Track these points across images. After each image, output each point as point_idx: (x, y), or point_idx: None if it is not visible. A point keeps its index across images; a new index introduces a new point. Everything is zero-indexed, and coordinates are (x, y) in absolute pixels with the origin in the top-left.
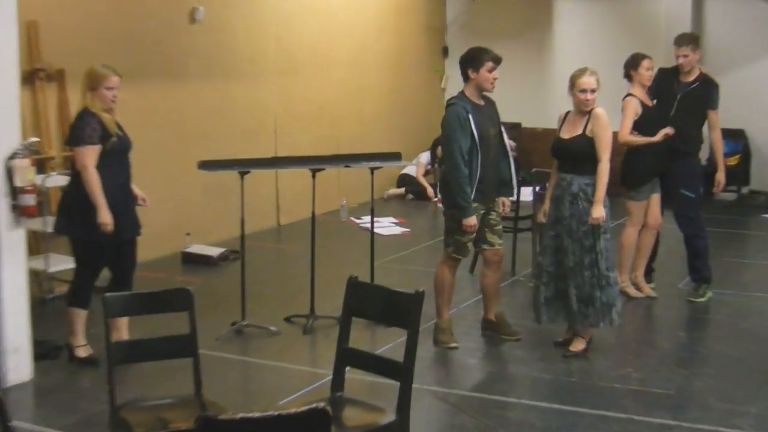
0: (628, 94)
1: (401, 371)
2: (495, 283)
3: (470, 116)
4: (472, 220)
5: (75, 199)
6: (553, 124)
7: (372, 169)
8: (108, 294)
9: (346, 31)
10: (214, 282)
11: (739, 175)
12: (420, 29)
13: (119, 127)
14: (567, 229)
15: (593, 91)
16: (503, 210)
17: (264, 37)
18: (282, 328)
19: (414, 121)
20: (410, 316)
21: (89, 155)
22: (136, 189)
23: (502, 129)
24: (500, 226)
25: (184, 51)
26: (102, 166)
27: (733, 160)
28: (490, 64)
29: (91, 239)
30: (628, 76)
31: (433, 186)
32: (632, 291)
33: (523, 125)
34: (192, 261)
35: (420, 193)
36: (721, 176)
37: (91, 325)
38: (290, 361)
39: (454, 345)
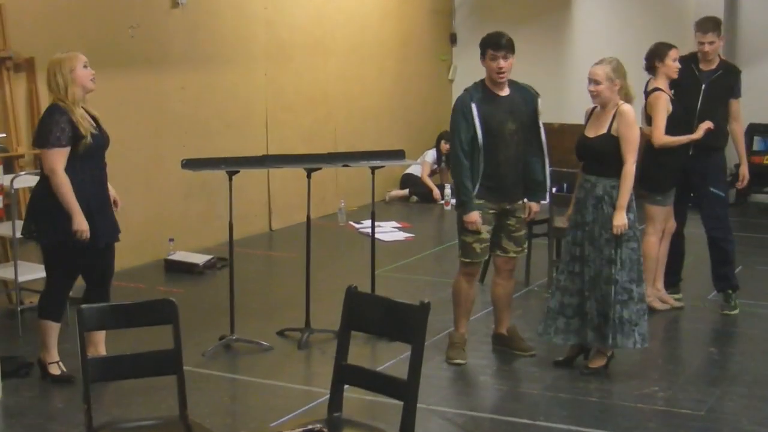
0: (656, 89)
1: (405, 390)
2: (507, 293)
3: (475, 106)
4: (472, 216)
5: (44, 201)
6: (572, 119)
7: (373, 169)
8: (83, 306)
9: (343, 15)
10: (200, 292)
11: None
12: (425, 14)
13: (95, 122)
14: (589, 236)
15: (598, 82)
16: (529, 215)
17: (253, 21)
18: (274, 342)
19: (419, 115)
20: (414, 330)
21: (58, 158)
22: (111, 189)
23: (540, 125)
24: (522, 233)
25: (165, 37)
26: (74, 166)
27: None
28: (489, 51)
29: (64, 244)
30: (652, 68)
31: (440, 187)
32: (658, 304)
33: None
34: (175, 269)
35: (425, 195)
36: (744, 170)
37: (65, 340)
38: (283, 378)
39: (458, 361)
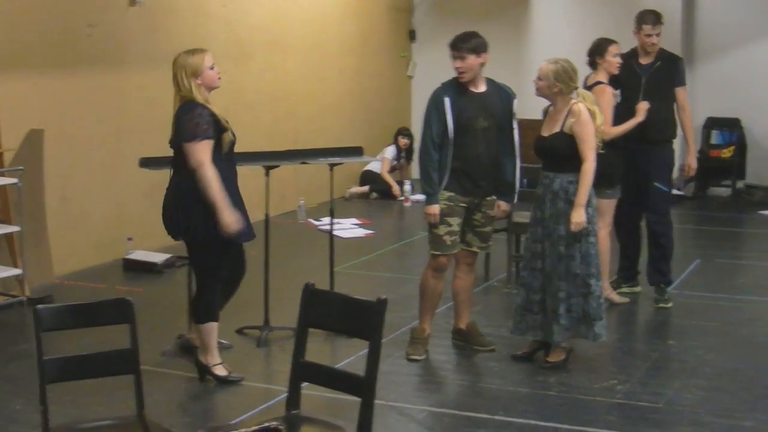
0: (598, 82)
1: (362, 386)
2: (467, 288)
3: (449, 100)
4: (433, 209)
5: (188, 198)
6: (531, 115)
7: (331, 166)
8: (39, 306)
9: (303, 13)
10: (159, 291)
11: (733, 168)
12: (384, 11)
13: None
14: (547, 231)
15: (539, 78)
16: (498, 214)
17: (212, 20)
18: (233, 341)
19: (379, 112)
20: (372, 327)
21: (206, 150)
22: None
23: (514, 125)
24: (488, 229)
25: (123, 36)
26: (217, 164)
27: (727, 153)
28: (450, 50)
29: (214, 241)
30: (594, 63)
31: (400, 183)
32: (616, 297)
33: None
34: (134, 268)
35: (385, 192)
36: (692, 160)
37: (25, 341)
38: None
39: (415, 357)
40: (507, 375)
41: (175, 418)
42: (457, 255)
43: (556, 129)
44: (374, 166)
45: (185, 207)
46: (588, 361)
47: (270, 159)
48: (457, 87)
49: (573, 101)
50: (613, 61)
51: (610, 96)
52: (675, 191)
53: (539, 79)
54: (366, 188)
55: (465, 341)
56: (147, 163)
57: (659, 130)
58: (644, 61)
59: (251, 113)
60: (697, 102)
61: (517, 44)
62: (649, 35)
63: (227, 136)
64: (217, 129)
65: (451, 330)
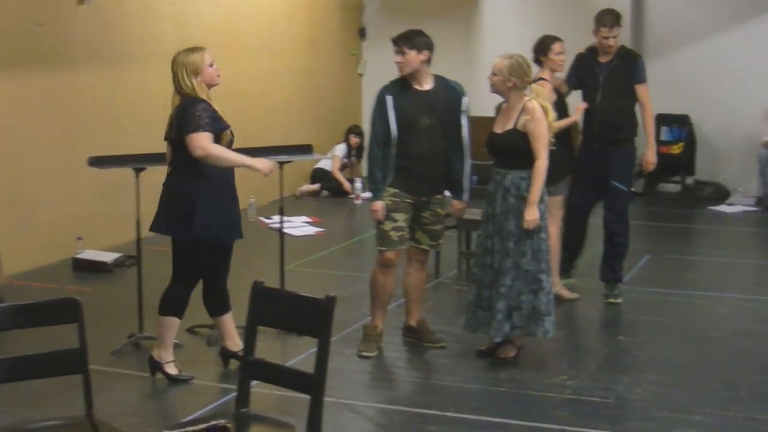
0: (540, 78)
1: (312, 384)
2: (418, 285)
3: (391, 99)
4: (376, 205)
5: (179, 197)
6: (483, 112)
7: (281, 164)
8: None
9: (253, 11)
10: (109, 290)
11: (683, 164)
12: (334, 9)
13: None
14: (497, 227)
15: (494, 73)
16: (453, 212)
17: (161, 18)
18: (184, 340)
19: (329, 110)
20: (321, 324)
21: (208, 140)
22: None
23: (462, 123)
24: (437, 227)
25: (71, 35)
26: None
27: (677, 149)
28: (392, 45)
29: (198, 243)
30: (538, 61)
31: (351, 181)
32: (566, 293)
33: None
34: (84, 268)
35: (336, 190)
36: (651, 155)
37: None
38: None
39: (366, 354)
40: (458, 371)
41: (124, 418)
42: (408, 252)
43: (509, 126)
44: (325, 164)
45: (186, 206)
46: (539, 357)
47: None
48: (402, 85)
49: (526, 98)
50: (556, 59)
51: (549, 91)
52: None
53: (493, 74)
54: (317, 186)
55: (416, 338)
56: (96, 162)
57: (619, 128)
58: (603, 59)
59: None
60: None
61: (467, 42)
62: (606, 37)
63: (226, 135)
64: (218, 126)
65: (402, 327)
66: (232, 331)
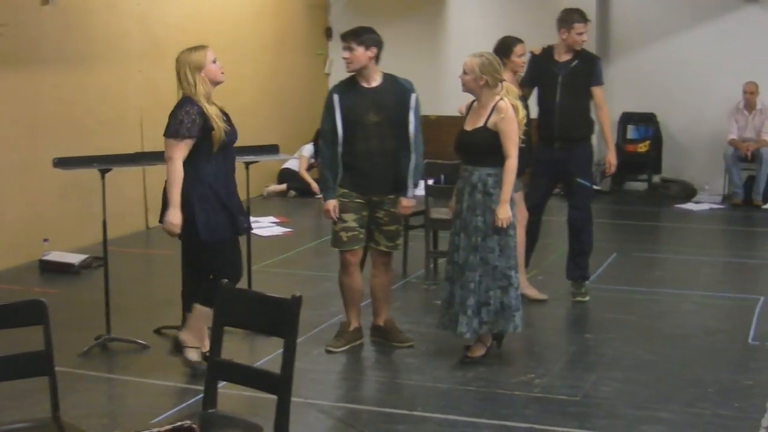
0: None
1: (278, 384)
2: (383, 286)
3: (337, 97)
4: (327, 205)
5: (193, 194)
6: (449, 111)
7: (247, 164)
8: None
9: (218, 10)
10: (76, 292)
11: (649, 162)
12: (301, 8)
13: (225, 116)
14: (463, 224)
15: (465, 72)
16: (399, 210)
17: (126, 18)
18: (151, 341)
19: (296, 110)
20: (287, 324)
21: (179, 148)
22: None
23: (411, 120)
24: (393, 227)
25: (36, 35)
26: (208, 159)
27: (643, 147)
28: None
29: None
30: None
31: (318, 181)
32: (533, 293)
33: None
34: (51, 269)
35: (303, 190)
36: (611, 157)
37: None
38: (161, 377)
39: (329, 348)
40: (426, 371)
41: (91, 420)
42: (372, 254)
43: (480, 124)
44: (292, 164)
45: (183, 202)
46: (506, 355)
47: None
48: (350, 83)
49: (498, 98)
50: (518, 61)
51: None
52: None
53: (464, 73)
54: (284, 186)
55: (383, 338)
56: (61, 163)
57: (578, 127)
58: (561, 59)
59: (167, 112)
60: (613, 97)
61: (433, 41)
62: (581, 33)
63: (216, 135)
64: (204, 128)
65: (370, 327)
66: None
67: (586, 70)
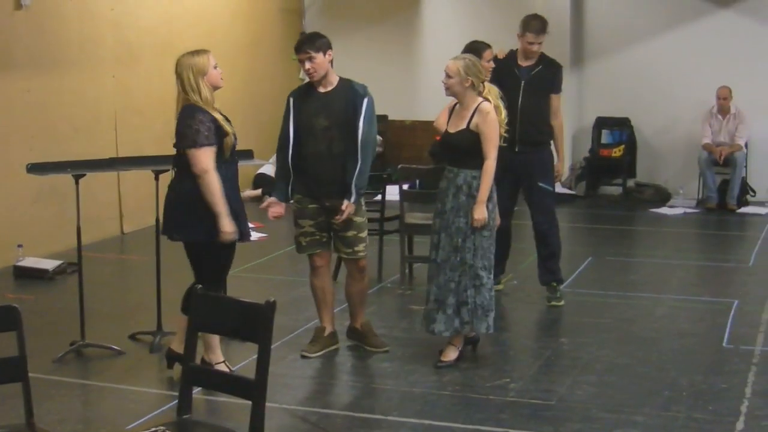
0: None
1: (253, 389)
2: (357, 292)
3: (292, 101)
4: (268, 200)
5: (185, 199)
6: (424, 116)
7: None
8: None
9: (192, 15)
10: (50, 298)
11: (624, 167)
12: (275, 13)
13: (227, 121)
14: (445, 224)
15: (449, 76)
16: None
17: (100, 23)
18: (126, 347)
19: (270, 115)
20: (261, 329)
21: (210, 157)
22: None
23: (359, 125)
24: (349, 234)
25: (8, 39)
26: (219, 166)
27: (618, 152)
28: (296, 53)
29: (208, 244)
30: None
31: None
32: None
33: (390, 117)
34: (25, 275)
35: None
36: (560, 166)
37: None
38: (136, 383)
39: (303, 353)
40: (401, 375)
41: (66, 426)
42: (343, 261)
43: (462, 126)
44: (267, 169)
45: (187, 207)
46: (481, 359)
47: (160, 163)
48: (306, 88)
49: (480, 100)
50: (487, 65)
51: None
52: (566, 190)
53: (448, 77)
54: (259, 191)
55: (359, 341)
56: (35, 168)
57: (540, 131)
58: (524, 64)
59: (140, 117)
60: (587, 102)
61: (407, 46)
62: (531, 43)
63: (229, 141)
64: (219, 134)
65: (346, 329)
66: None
67: (549, 76)
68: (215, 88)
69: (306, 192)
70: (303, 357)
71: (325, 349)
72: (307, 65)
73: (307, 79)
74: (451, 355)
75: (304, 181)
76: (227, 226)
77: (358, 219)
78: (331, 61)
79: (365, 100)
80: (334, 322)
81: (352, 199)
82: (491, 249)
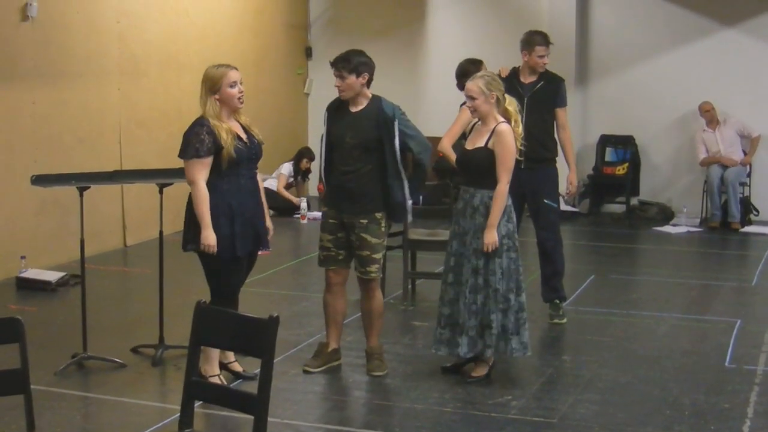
0: (464, 103)
1: (255, 404)
2: (366, 312)
3: (327, 116)
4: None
5: (191, 212)
6: (428, 131)
7: None
8: None
9: (197, 29)
10: (53, 310)
11: (627, 185)
12: (281, 28)
13: (247, 131)
14: (462, 245)
15: (473, 98)
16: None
17: (105, 35)
18: (128, 359)
19: (275, 129)
20: (264, 344)
21: (198, 169)
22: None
23: (395, 146)
24: (365, 253)
25: (14, 51)
26: (218, 175)
27: (621, 170)
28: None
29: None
30: (462, 86)
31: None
32: None
33: None
34: (28, 287)
35: (282, 209)
36: (572, 177)
37: None
38: (137, 396)
39: (305, 368)
40: (403, 392)
41: None
42: (358, 279)
43: (480, 144)
44: (270, 183)
45: (187, 221)
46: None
47: (164, 177)
48: (340, 103)
49: (500, 120)
50: None
51: (468, 115)
52: (570, 208)
53: (473, 99)
54: None
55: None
56: (39, 180)
57: (545, 147)
58: (526, 80)
59: (145, 130)
60: (592, 119)
61: (413, 61)
62: (542, 56)
63: (225, 153)
64: (214, 146)
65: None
66: None
67: (551, 91)
68: (231, 107)
69: (331, 205)
70: (305, 372)
71: (327, 365)
72: (337, 83)
73: (311, 93)
74: (482, 371)
75: (331, 196)
76: (207, 238)
77: (374, 240)
78: (368, 82)
79: (396, 124)
80: (340, 340)
81: (407, 218)
82: (519, 270)
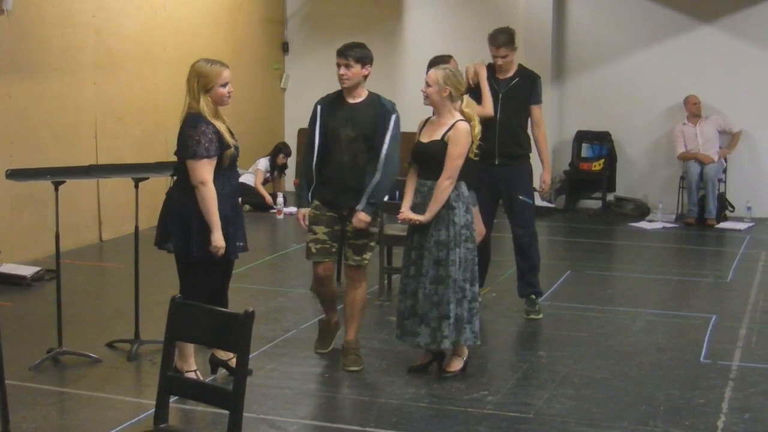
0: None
1: (230, 399)
2: (350, 302)
3: (320, 108)
4: (298, 213)
5: (180, 209)
6: (406, 127)
7: None
8: None
9: (174, 24)
10: (28, 305)
11: (603, 181)
12: (257, 22)
13: (230, 133)
14: (423, 237)
15: (428, 84)
16: (354, 223)
17: (81, 29)
18: (103, 354)
19: (251, 124)
20: (239, 339)
21: (208, 169)
22: None
23: (385, 140)
24: (360, 242)
25: None
26: (218, 177)
27: (598, 166)
28: (336, 56)
29: (196, 257)
30: None
31: (273, 195)
32: None
33: None
34: (2, 281)
35: (258, 204)
36: (546, 176)
37: None
38: (112, 391)
39: (319, 351)
40: (378, 386)
41: None
42: (344, 268)
43: (436, 137)
44: (247, 178)
45: (180, 218)
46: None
47: (140, 171)
48: (335, 97)
49: (459, 118)
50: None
51: (483, 72)
52: (546, 204)
53: (428, 85)
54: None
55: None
56: (14, 174)
57: (518, 144)
58: (501, 76)
59: (120, 124)
60: (568, 115)
61: (390, 57)
62: (495, 57)
63: (228, 153)
64: (220, 146)
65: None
66: None
67: (526, 88)
68: (218, 105)
69: (325, 199)
70: (319, 354)
71: (334, 341)
72: (342, 71)
73: (287, 88)
74: (456, 365)
75: (324, 189)
76: (218, 240)
77: (372, 228)
78: (367, 76)
79: (393, 117)
80: (337, 313)
81: (360, 207)
82: (475, 261)
